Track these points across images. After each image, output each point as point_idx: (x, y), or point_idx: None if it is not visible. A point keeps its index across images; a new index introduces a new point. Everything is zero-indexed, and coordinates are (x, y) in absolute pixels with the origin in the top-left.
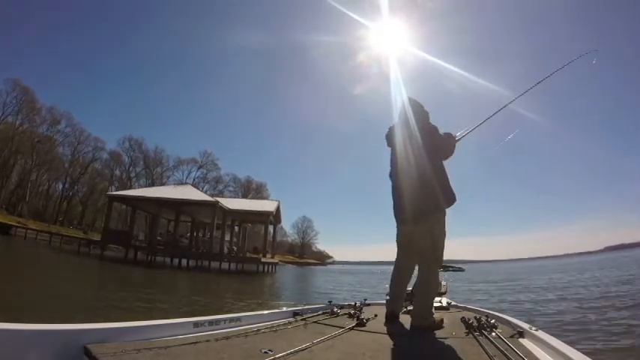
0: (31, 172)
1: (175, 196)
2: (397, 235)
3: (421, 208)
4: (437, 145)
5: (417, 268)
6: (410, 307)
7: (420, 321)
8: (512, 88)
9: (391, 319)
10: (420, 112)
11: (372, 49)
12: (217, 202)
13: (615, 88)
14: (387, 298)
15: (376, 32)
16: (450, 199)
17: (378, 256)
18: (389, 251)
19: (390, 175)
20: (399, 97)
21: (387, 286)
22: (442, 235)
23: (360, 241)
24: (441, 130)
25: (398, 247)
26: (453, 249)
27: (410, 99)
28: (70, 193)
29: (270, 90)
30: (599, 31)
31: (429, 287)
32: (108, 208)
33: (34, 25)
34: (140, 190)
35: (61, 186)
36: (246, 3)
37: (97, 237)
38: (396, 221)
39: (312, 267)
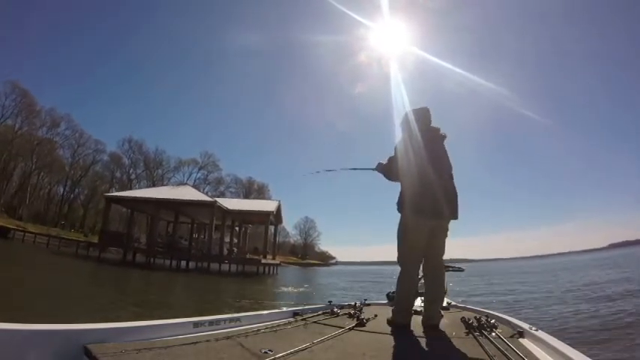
0: (31, 175)
1: (173, 197)
2: (411, 229)
3: (445, 205)
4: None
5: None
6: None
7: (435, 319)
8: (511, 87)
9: (402, 330)
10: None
11: (373, 49)
12: (215, 201)
13: (618, 89)
14: (393, 307)
15: (377, 32)
16: None
17: (380, 257)
18: (390, 252)
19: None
20: (400, 96)
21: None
22: None
23: (362, 241)
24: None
25: (405, 250)
26: (455, 248)
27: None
28: (71, 196)
29: (270, 90)
30: (601, 31)
31: (443, 286)
32: (105, 210)
33: (33, 27)
34: (138, 191)
35: (61, 189)
36: (247, 3)
37: (97, 240)
38: (417, 214)
39: (315, 268)
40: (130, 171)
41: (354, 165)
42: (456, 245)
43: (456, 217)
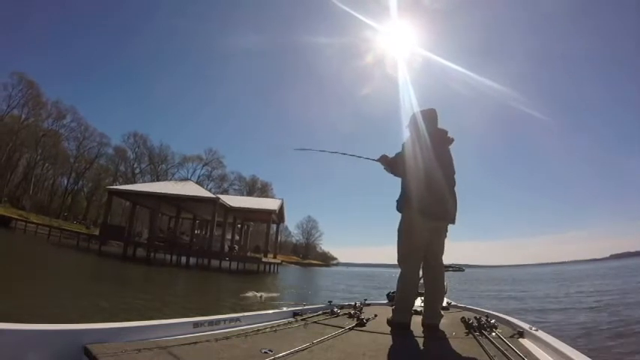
0: (35, 166)
1: (175, 192)
2: (415, 228)
3: (450, 207)
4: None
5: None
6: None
7: (435, 319)
8: (518, 88)
9: (402, 330)
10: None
11: (380, 51)
12: (218, 198)
13: (622, 92)
14: (394, 307)
15: (384, 34)
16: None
17: (381, 259)
18: (391, 254)
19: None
20: (408, 98)
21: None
22: None
23: (363, 242)
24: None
25: (406, 250)
26: (455, 252)
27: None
28: (75, 188)
29: (276, 91)
30: (603, 30)
31: (443, 286)
32: (107, 203)
33: (40, 20)
34: (140, 185)
35: (65, 181)
36: (255, 3)
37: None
38: (423, 215)
39: (316, 268)
40: (135, 165)
41: (357, 160)
42: (457, 250)
43: (454, 222)
